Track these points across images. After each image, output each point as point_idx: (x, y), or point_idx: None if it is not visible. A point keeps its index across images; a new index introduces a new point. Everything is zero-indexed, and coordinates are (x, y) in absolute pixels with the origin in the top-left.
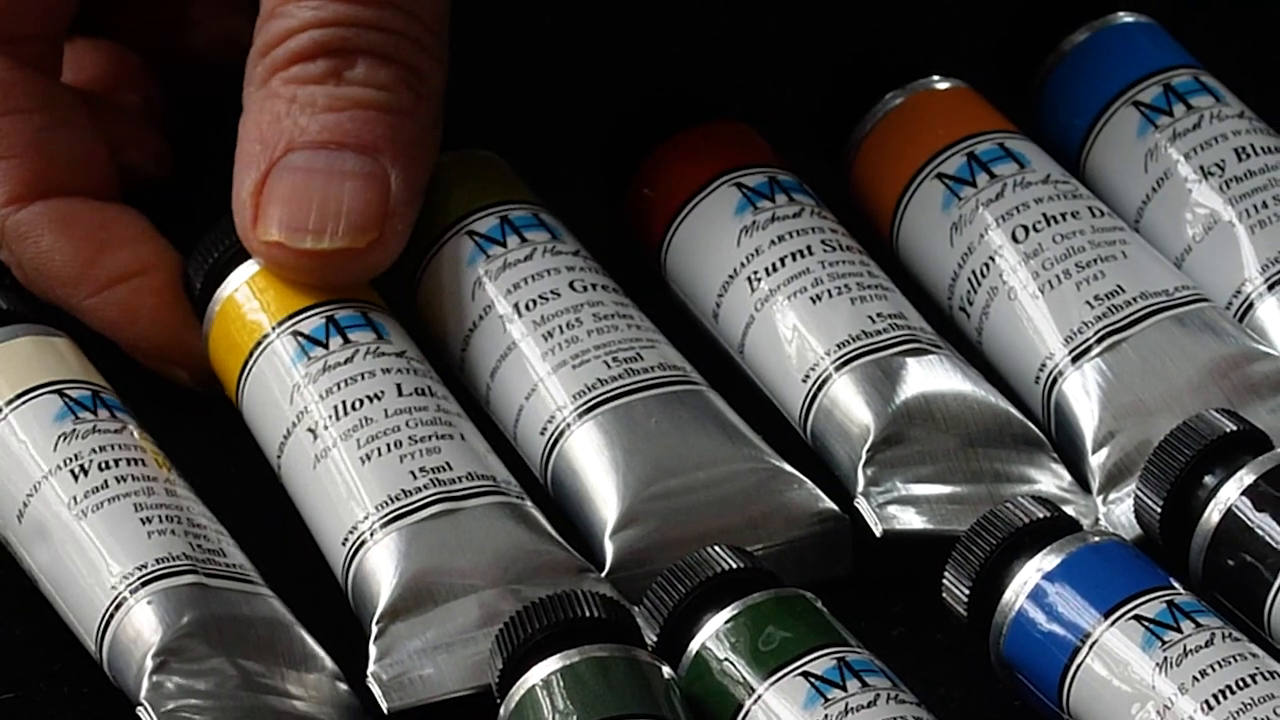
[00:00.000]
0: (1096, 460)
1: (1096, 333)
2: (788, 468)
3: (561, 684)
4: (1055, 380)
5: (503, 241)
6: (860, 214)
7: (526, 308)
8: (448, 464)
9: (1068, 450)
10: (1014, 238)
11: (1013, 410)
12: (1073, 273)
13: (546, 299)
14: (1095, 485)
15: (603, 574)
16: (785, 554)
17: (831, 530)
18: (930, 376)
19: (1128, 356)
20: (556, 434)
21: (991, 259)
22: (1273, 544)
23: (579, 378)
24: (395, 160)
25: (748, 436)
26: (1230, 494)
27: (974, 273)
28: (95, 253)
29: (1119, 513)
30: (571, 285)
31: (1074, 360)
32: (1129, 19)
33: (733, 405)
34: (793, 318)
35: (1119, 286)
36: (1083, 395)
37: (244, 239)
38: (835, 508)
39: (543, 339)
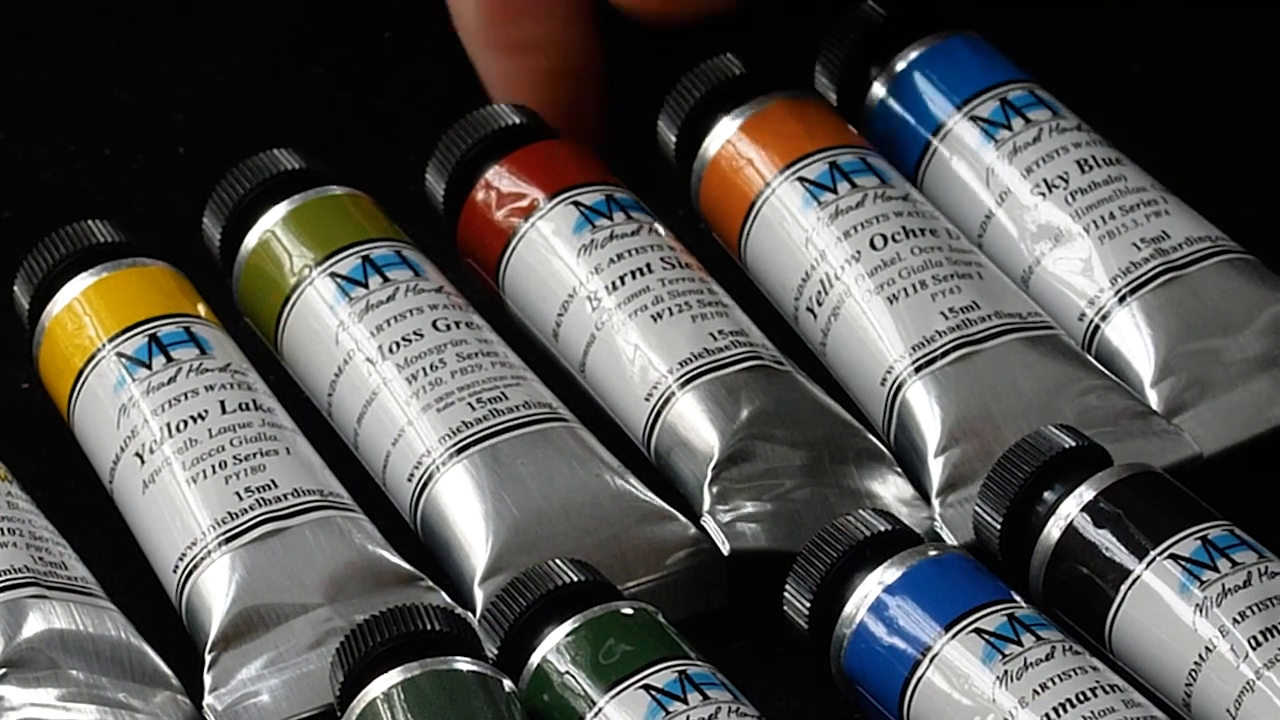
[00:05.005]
0: (937, 464)
1: (949, 342)
2: (657, 501)
3: (402, 697)
4: (902, 384)
5: (365, 282)
6: (708, 216)
7: (390, 350)
8: (273, 482)
9: (909, 453)
10: (872, 245)
11: (856, 424)
12: (929, 284)
13: (410, 340)
14: (934, 488)
15: (476, 618)
16: (659, 589)
17: (704, 563)
18: (774, 393)
19: (978, 368)
20: (424, 480)
21: (848, 262)
22: (1113, 560)
23: (444, 421)
24: None
25: (616, 472)
26: (1070, 510)
27: (827, 275)
28: None
29: (952, 515)
30: (434, 325)
31: (925, 366)
32: (959, 36)
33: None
34: (634, 336)
35: (975, 302)
36: (929, 401)
37: None
38: (705, 540)
39: (406, 382)
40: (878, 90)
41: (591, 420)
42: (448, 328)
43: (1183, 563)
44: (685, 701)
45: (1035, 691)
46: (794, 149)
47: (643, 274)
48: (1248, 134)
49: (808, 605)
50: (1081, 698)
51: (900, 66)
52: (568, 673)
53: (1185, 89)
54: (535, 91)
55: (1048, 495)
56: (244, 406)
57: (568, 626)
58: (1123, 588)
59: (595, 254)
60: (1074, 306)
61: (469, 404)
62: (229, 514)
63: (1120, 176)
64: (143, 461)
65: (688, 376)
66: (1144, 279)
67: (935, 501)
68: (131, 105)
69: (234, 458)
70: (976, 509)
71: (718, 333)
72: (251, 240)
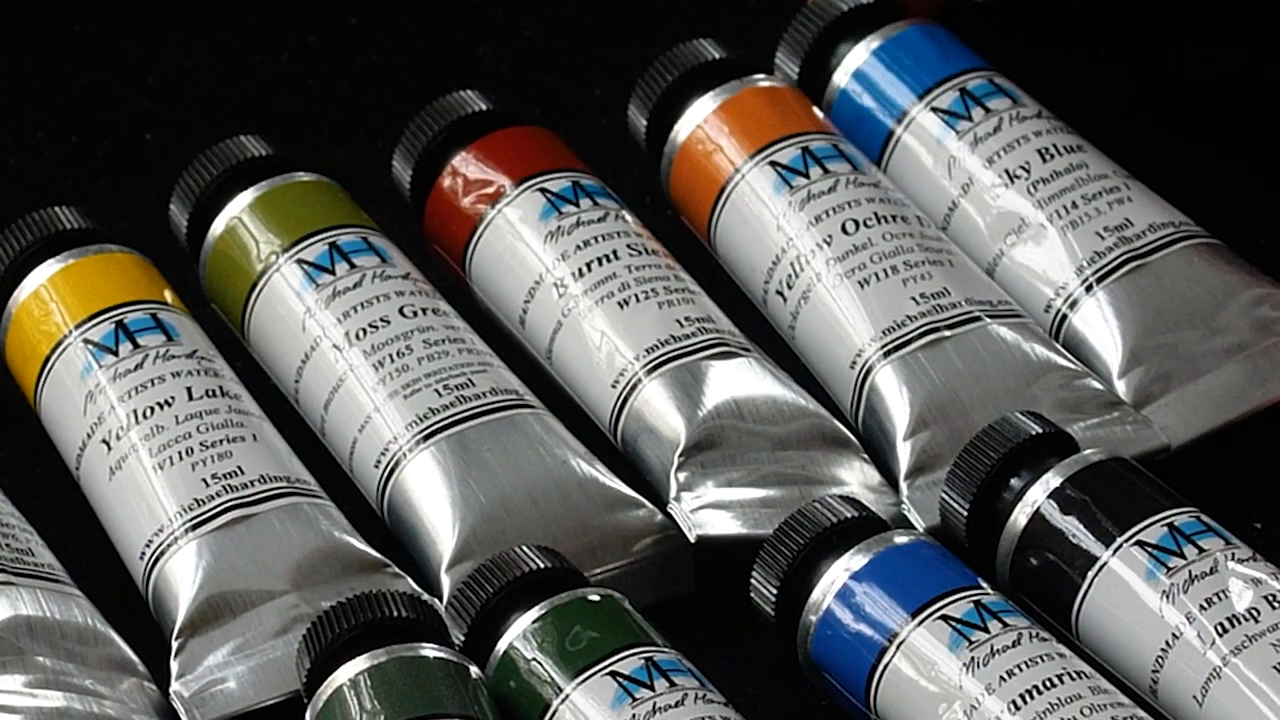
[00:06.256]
0: (905, 449)
1: (920, 328)
2: (624, 488)
3: (369, 684)
4: (871, 369)
5: (331, 269)
6: (678, 201)
7: (357, 337)
8: (239, 468)
9: (877, 438)
10: (844, 230)
11: (823, 411)
12: (900, 269)
13: (376, 327)
14: (902, 472)
15: (442, 604)
16: (625, 576)
17: (670, 550)
18: (740, 380)
19: (948, 354)
20: (390, 466)
21: (818, 246)
22: (1080, 547)
23: (411, 408)
24: None
25: (583, 459)
26: (1037, 497)
27: (798, 258)
28: None
29: (919, 499)
30: (401, 311)
31: (894, 351)
32: (917, 25)
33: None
34: (601, 323)
35: (945, 289)
36: (898, 386)
37: None
38: (672, 527)
39: (373, 369)
40: (838, 80)
41: (558, 407)
42: (414, 314)
43: (1149, 549)
44: (652, 688)
45: (1002, 678)
46: (765, 134)
47: (609, 260)
48: (1212, 119)
49: (774, 592)
50: (1048, 684)
51: (860, 57)
52: (534, 659)
53: (1149, 74)
54: None
55: (1015, 482)
56: (211, 393)
57: (534, 613)
58: (1089, 574)
59: (562, 241)
60: (1041, 296)
61: (436, 390)
62: (195, 500)
63: (1082, 164)
64: (109, 448)
65: (654, 363)
66: (1110, 267)
67: (903, 485)
68: (98, 92)
69: (201, 444)
70: (943, 495)
71: (684, 319)
72: (218, 227)
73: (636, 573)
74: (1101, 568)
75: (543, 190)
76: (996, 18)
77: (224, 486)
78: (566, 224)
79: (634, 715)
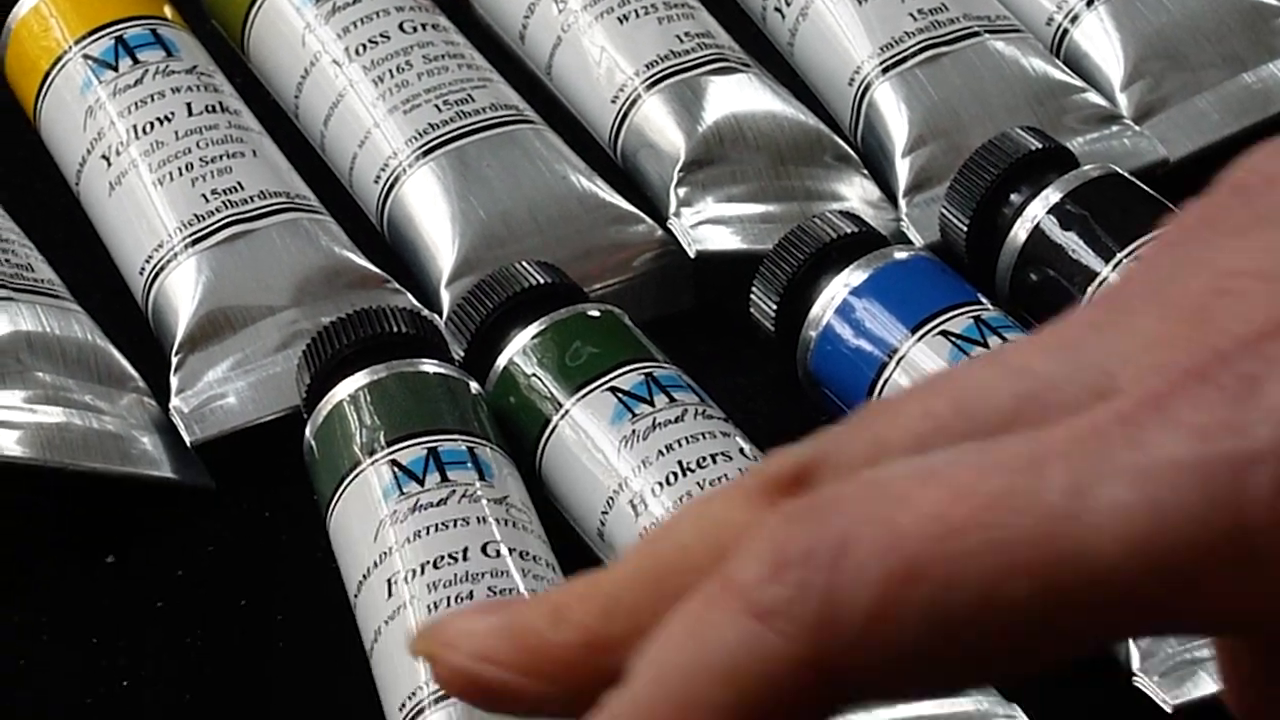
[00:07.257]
0: (904, 165)
1: (918, 43)
2: (623, 204)
3: (369, 399)
4: (869, 85)
5: None
6: None
7: (356, 52)
8: (239, 184)
9: (876, 154)
10: None
11: (823, 127)
12: None
13: (376, 42)
14: (900, 188)
15: (442, 320)
16: (625, 291)
17: (671, 264)
18: (740, 95)
19: (947, 70)
20: (390, 181)
21: None
22: (1079, 262)
23: (411, 123)
24: None
25: (582, 174)
26: (1036, 212)
27: None
28: None
29: (918, 215)
30: (401, 26)
31: (893, 67)
32: None
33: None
34: (600, 38)
35: (943, 4)
36: (896, 102)
37: None
38: (672, 242)
39: (373, 84)
40: None
41: (558, 122)
42: (414, 29)
43: None
44: (651, 404)
45: None
46: None
47: None
48: None
49: (774, 307)
50: None
51: None
52: (534, 375)
53: None
54: None
55: (1014, 197)
56: (210, 109)
57: (534, 329)
58: (1089, 289)
59: None
60: (1042, 11)
61: (435, 106)
62: (195, 216)
63: None
64: (109, 164)
65: (654, 78)
66: None
67: (902, 201)
68: None
69: (200, 159)
70: (943, 210)
71: (684, 35)
72: None
73: (636, 288)
74: (1102, 283)
75: None
76: None
77: (224, 202)
78: None
79: (634, 430)
